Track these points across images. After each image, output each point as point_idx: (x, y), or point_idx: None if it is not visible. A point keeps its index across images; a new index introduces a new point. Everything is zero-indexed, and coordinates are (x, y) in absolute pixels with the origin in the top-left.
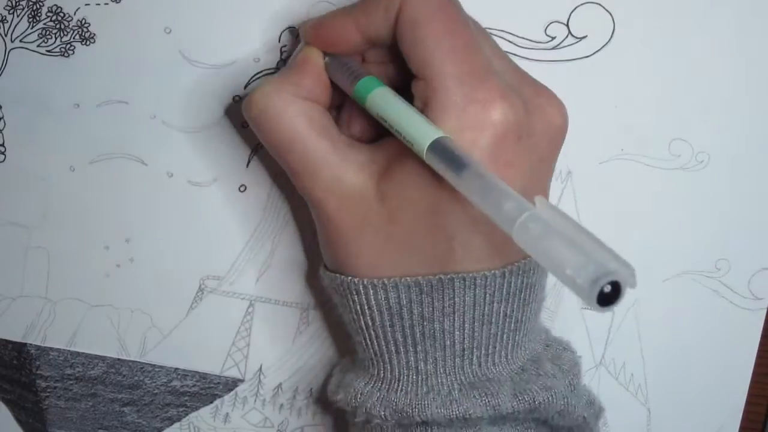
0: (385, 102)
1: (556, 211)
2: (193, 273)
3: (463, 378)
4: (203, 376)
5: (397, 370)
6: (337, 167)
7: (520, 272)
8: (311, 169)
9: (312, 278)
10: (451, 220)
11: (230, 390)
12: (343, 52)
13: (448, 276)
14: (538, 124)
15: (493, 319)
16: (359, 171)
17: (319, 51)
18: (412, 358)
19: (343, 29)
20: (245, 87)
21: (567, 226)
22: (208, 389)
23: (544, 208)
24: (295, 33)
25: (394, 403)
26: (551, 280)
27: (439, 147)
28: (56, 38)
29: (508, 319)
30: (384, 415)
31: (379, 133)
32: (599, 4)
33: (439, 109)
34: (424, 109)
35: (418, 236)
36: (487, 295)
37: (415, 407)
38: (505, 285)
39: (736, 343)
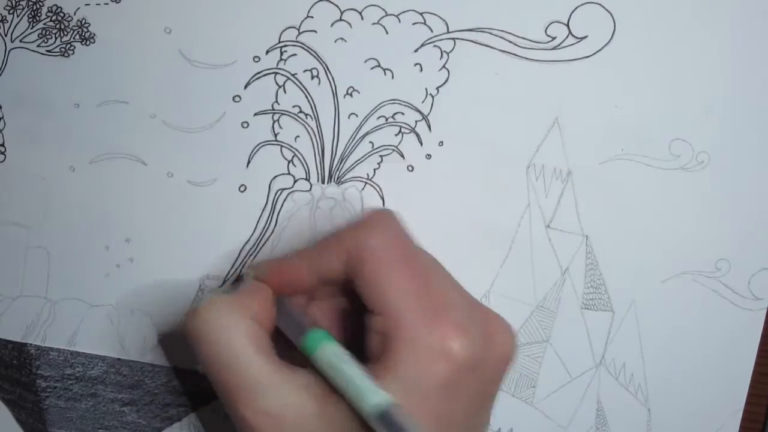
0: (332, 362)
1: None
2: (193, 273)
3: None
4: (203, 376)
5: None
6: (278, 387)
7: None
8: (249, 388)
9: None
10: None
11: None
12: (296, 293)
13: None
14: (490, 354)
15: None
16: (300, 391)
17: (268, 288)
18: None
19: (298, 272)
20: (245, 87)
21: None
22: (208, 389)
23: None
24: (244, 271)
25: None
26: (551, 279)
27: (385, 417)
28: (56, 38)
29: None
30: None
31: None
32: (600, 5)
33: (400, 343)
34: (383, 342)
35: None
36: None
37: None
38: None
39: (736, 343)
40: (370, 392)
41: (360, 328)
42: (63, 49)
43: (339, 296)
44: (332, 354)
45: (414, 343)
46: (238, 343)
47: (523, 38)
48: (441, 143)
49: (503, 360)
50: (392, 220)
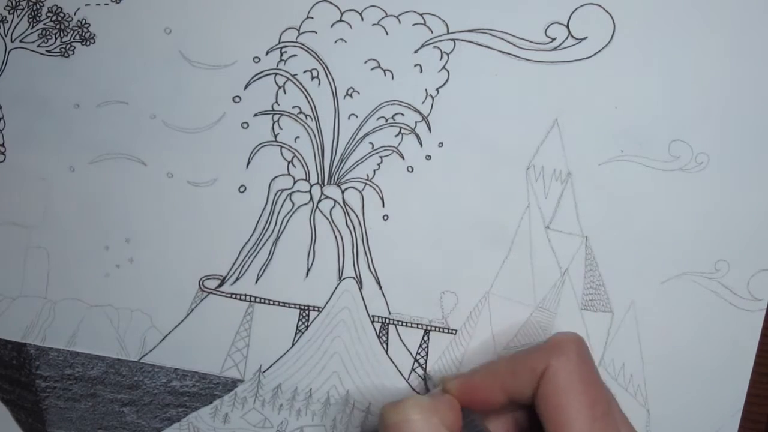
0: None
1: None
2: (193, 273)
3: None
4: (203, 377)
5: None
6: None
7: None
8: None
9: (311, 278)
10: None
11: (230, 390)
12: (482, 411)
13: None
14: None
15: None
16: None
17: (456, 401)
18: None
19: (491, 391)
20: (245, 87)
21: None
22: (208, 389)
23: None
24: (427, 376)
25: None
26: (551, 280)
27: None
28: (56, 38)
29: None
30: None
31: None
32: (599, 6)
33: None
34: None
35: None
36: None
37: None
38: None
39: (735, 344)
40: None
41: None
42: (63, 50)
43: (518, 410)
44: None
45: None
46: None
47: (523, 39)
48: (441, 144)
49: None
50: (581, 345)
